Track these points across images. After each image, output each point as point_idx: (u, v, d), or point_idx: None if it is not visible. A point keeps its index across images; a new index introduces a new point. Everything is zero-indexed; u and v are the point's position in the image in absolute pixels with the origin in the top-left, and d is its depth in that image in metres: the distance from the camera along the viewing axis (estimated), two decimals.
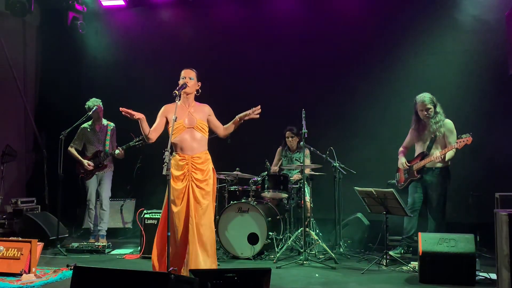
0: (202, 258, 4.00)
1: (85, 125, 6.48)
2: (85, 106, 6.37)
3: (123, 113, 3.96)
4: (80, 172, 6.42)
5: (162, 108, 4.27)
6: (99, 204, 6.45)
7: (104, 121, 6.52)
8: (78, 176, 6.46)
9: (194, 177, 4.09)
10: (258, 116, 4.22)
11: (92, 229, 6.45)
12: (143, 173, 7.00)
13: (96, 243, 6.00)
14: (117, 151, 6.28)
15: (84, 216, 7.19)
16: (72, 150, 6.43)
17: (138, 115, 4.01)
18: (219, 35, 7.63)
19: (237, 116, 4.25)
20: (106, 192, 6.48)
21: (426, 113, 5.37)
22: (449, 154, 5.23)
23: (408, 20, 6.83)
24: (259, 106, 4.20)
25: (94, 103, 6.35)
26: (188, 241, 4.01)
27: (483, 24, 6.42)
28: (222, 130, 4.35)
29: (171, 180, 4.05)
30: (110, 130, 6.50)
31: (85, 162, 6.36)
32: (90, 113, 6.21)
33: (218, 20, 7.71)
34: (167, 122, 4.22)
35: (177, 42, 7.74)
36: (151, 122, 6.31)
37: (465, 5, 6.56)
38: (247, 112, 4.21)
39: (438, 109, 5.37)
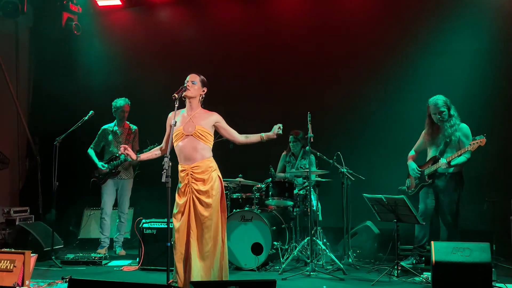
0: (205, 274, 3.87)
1: (107, 126, 6.45)
2: (113, 103, 6.36)
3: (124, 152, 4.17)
4: (94, 176, 6.34)
5: (168, 116, 4.16)
6: (117, 216, 6.45)
7: (127, 122, 6.47)
8: (90, 180, 6.40)
9: (194, 189, 3.95)
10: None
11: (101, 240, 6.32)
12: (142, 180, 6.83)
13: (93, 254, 5.85)
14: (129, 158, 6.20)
15: (80, 227, 7.12)
16: (91, 152, 6.38)
17: (133, 156, 4.19)
18: (220, 35, 7.53)
19: (262, 134, 4.19)
20: (125, 203, 6.44)
21: (439, 116, 5.22)
22: (460, 159, 5.08)
23: (416, 20, 6.72)
24: (280, 125, 4.16)
25: (122, 102, 6.32)
26: (191, 256, 3.88)
27: (494, 21, 6.30)
28: (239, 138, 4.23)
29: (176, 193, 4.00)
30: (132, 133, 6.43)
31: (99, 164, 6.28)
32: (86, 118, 6.05)
33: (218, 20, 7.62)
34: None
35: (176, 42, 7.63)
36: (151, 124, 6.07)
37: (475, 1, 6.44)
38: (271, 134, 4.18)
39: (453, 111, 5.23)
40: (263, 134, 4.19)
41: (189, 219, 3.93)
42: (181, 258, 3.93)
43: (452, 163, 5.07)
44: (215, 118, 4.15)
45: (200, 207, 3.92)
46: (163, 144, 4.24)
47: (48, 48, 7.73)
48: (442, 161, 5.09)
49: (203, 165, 3.99)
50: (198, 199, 3.93)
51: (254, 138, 4.22)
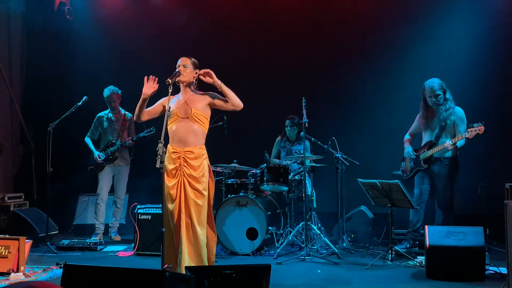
0: (194, 259, 3.85)
1: (102, 113, 6.43)
2: (103, 93, 6.34)
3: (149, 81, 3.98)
4: (91, 164, 6.32)
5: (164, 98, 4.08)
6: (112, 201, 6.46)
7: (122, 111, 6.42)
8: (86, 167, 6.38)
9: (186, 173, 3.90)
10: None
11: (96, 226, 6.29)
12: (137, 166, 6.80)
13: (88, 240, 5.84)
14: (127, 142, 6.22)
15: (75, 212, 7.04)
16: (87, 141, 6.38)
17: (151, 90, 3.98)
18: (215, 21, 7.41)
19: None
20: (121, 189, 6.42)
21: (435, 99, 5.19)
22: (460, 142, 5.04)
23: (413, 3, 6.66)
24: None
25: (107, 91, 6.29)
26: (181, 241, 3.85)
27: (492, 5, 6.23)
28: (227, 102, 4.05)
29: (165, 174, 3.89)
30: (127, 120, 6.38)
31: (96, 153, 6.26)
32: (80, 103, 5.99)
33: (214, 6, 7.49)
34: (163, 111, 4.05)
35: (170, 27, 7.52)
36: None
37: None
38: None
39: (448, 95, 5.21)
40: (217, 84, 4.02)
41: (180, 204, 3.88)
42: (171, 242, 3.92)
43: (458, 145, 5.00)
44: (209, 98, 4.07)
45: (191, 193, 3.87)
46: (145, 114, 4.11)
47: (41, 33, 7.59)
48: (448, 142, 5.00)
49: (197, 152, 3.94)
50: (190, 184, 3.89)
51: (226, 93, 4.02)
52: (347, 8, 6.96)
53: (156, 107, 4.13)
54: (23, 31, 7.73)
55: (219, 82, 4.00)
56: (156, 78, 4.00)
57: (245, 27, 7.32)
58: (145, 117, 4.11)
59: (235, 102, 4.00)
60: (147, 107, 4.11)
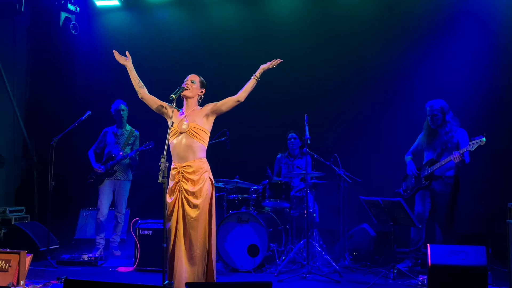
0: (190, 276, 3.82)
1: (108, 128, 6.46)
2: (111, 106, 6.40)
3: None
4: (91, 178, 6.31)
5: (169, 105, 4.15)
6: (113, 216, 6.42)
7: (128, 127, 6.44)
8: (87, 181, 6.37)
9: (183, 188, 3.90)
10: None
11: (97, 241, 6.23)
12: (138, 181, 6.78)
13: (90, 255, 5.80)
14: (130, 154, 6.22)
15: (76, 227, 7.03)
16: (90, 153, 6.38)
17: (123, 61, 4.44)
18: (218, 35, 7.45)
19: (254, 74, 4.17)
20: (122, 204, 6.38)
21: (431, 120, 5.21)
22: (467, 157, 4.97)
23: (415, 22, 6.68)
24: (279, 60, 4.22)
25: (118, 105, 6.34)
26: (177, 257, 3.84)
27: (493, 25, 6.25)
28: (238, 97, 4.11)
29: (166, 192, 3.91)
30: (132, 137, 6.40)
31: (95, 165, 6.26)
32: (83, 118, 6.02)
33: (217, 20, 7.54)
34: (159, 109, 4.21)
35: (174, 43, 7.56)
36: (149, 125, 5.97)
37: (473, 6, 6.40)
38: (267, 64, 4.20)
39: (449, 118, 5.18)
40: (256, 73, 4.16)
41: (177, 219, 3.88)
42: (172, 258, 3.90)
43: (465, 158, 4.93)
44: (209, 107, 4.09)
45: (187, 208, 3.87)
46: (146, 92, 4.31)
47: (46, 48, 7.66)
48: (455, 154, 4.90)
49: (195, 165, 3.94)
50: (187, 199, 3.88)
51: (249, 84, 4.13)
52: (349, 26, 6.98)
53: (156, 100, 4.22)
54: (28, 45, 7.78)
55: (259, 74, 4.16)
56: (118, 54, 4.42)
57: (249, 43, 7.34)
58: (143, 91, 4.32)
59: (246, 95, 4.12)
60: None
